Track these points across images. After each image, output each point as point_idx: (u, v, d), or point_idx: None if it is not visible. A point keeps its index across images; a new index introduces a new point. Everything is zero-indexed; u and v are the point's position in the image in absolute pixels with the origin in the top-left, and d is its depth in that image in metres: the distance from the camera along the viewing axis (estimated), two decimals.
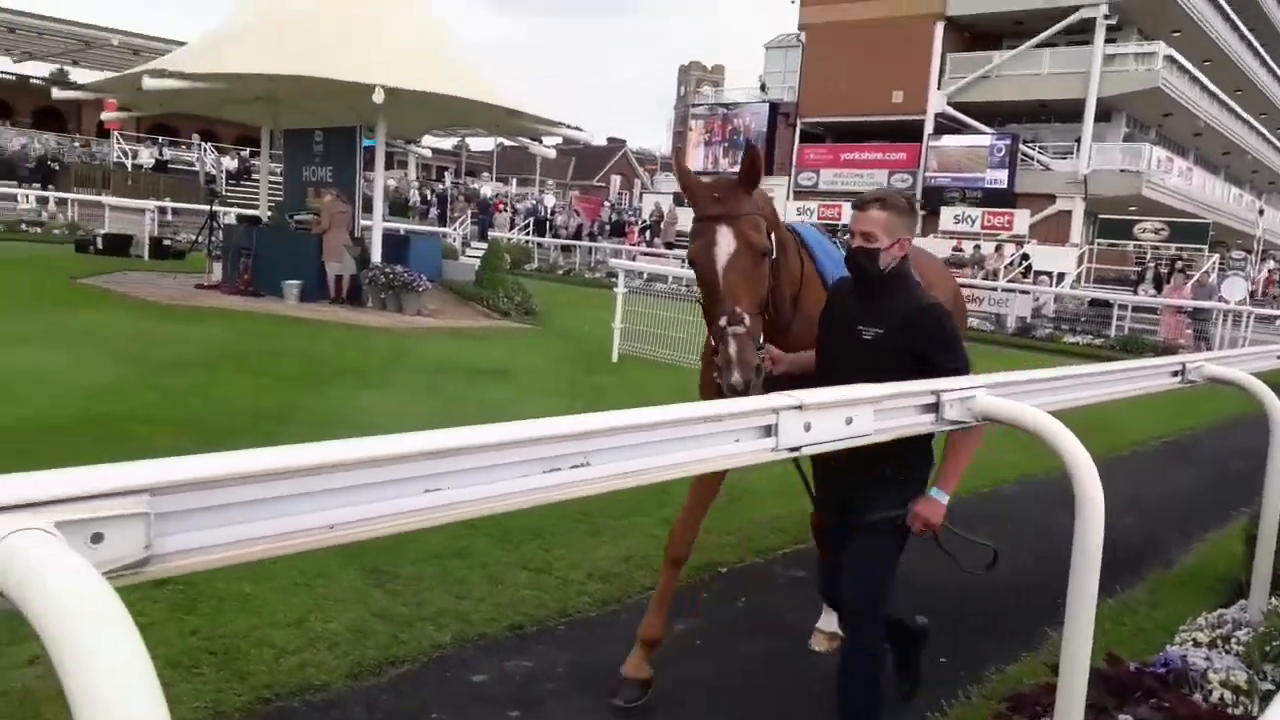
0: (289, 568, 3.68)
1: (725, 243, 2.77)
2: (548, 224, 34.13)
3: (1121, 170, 28.54)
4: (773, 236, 2.87)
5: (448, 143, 43.86)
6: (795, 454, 1.88)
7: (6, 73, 45.23)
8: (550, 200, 38.55)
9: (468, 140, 26.41)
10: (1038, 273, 23.88)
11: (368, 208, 15.38)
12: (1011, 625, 3.97)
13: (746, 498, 5.45)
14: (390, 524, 1.20)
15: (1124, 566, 4.91)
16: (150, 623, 3.18)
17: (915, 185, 31.36)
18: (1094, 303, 21.71)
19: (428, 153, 26.52)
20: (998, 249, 24.88)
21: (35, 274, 14.41)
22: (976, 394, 2.29)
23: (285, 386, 7.60)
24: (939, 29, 30.83)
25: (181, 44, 18.90)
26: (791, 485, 5.32)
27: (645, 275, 15.39)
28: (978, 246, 25.70)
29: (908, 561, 2.83)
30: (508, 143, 19.40)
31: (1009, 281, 22.30)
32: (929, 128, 31.01)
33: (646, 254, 29.00)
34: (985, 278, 22.83)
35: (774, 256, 2.86)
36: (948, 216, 29.57)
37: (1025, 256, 24.67)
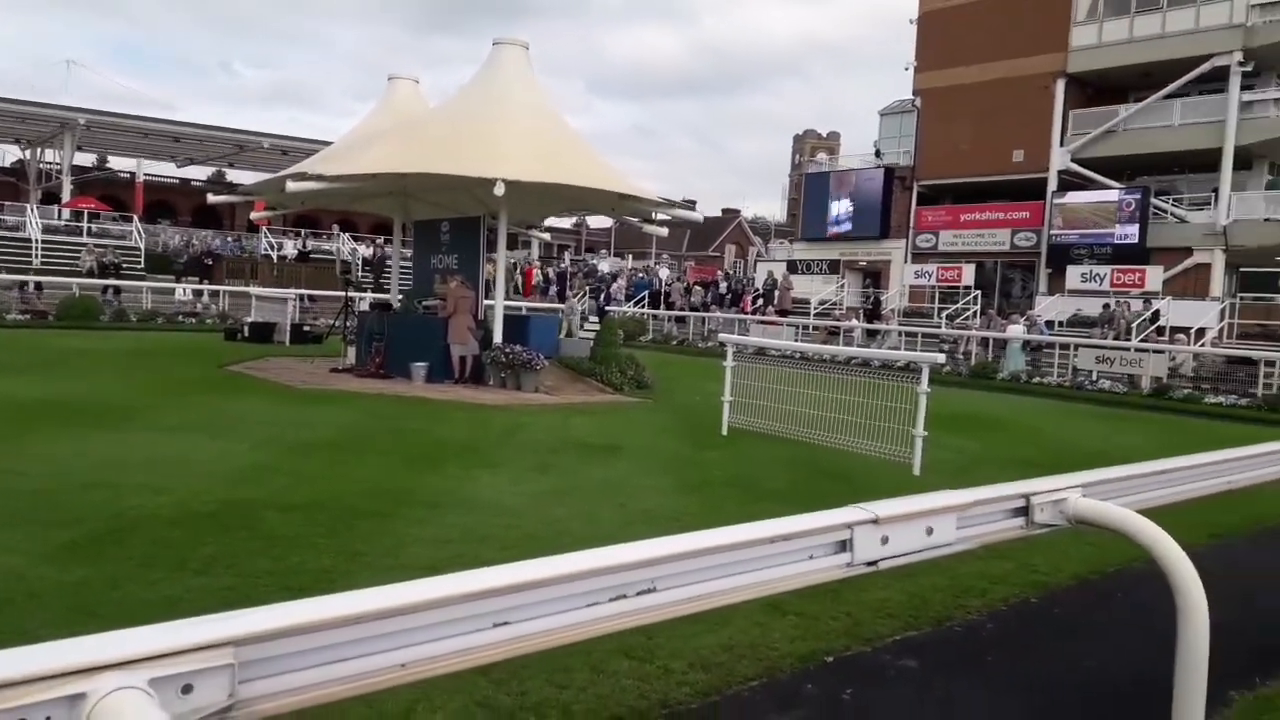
0: None
1: None
2: (662, 296, 34.66)
3: (1266, 219, 26.96)
4: None
5: (568, 222, 45.20)
6: (873, 569, 1.88)
7: (170, 177, 49.63)
8: (665, 273, 39.14)
9: (587, 219, 27.25)
10: (1174, 329, 22.65)
11: (491, 289, 16.03)
12: None
13: (855, 579, 5.33)
14: (461, 660, 1.29)
15: (1267, 654, 4.55)
16: None
17: (1040, 243, 30.46)
18: (1237, 360, 20.39)
19: (546, 236, 27.49)
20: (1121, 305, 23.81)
21: (188, 363, 15.57)
22: (1069, 496, 2.24)
23: (408, 466, 7.93)
24: (1060, 86, 30.22)
25: (326, 144, 20.39)
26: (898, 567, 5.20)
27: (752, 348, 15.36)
28: (1106, 305, 24.66)
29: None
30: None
31: (1142, 340, 21.23)
32: (1052, 185, 30.21)
33: (762, 322, 29.03)
34: (1116, 337, 21.82)
35: None
36: (1074, 275, 28.52)
37: (1155, 315, 23.47)
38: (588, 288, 33.83)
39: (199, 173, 50.82)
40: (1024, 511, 2.25)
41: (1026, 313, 26.48)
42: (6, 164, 47.99)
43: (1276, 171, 29.91)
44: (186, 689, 1.00)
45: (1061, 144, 30.24)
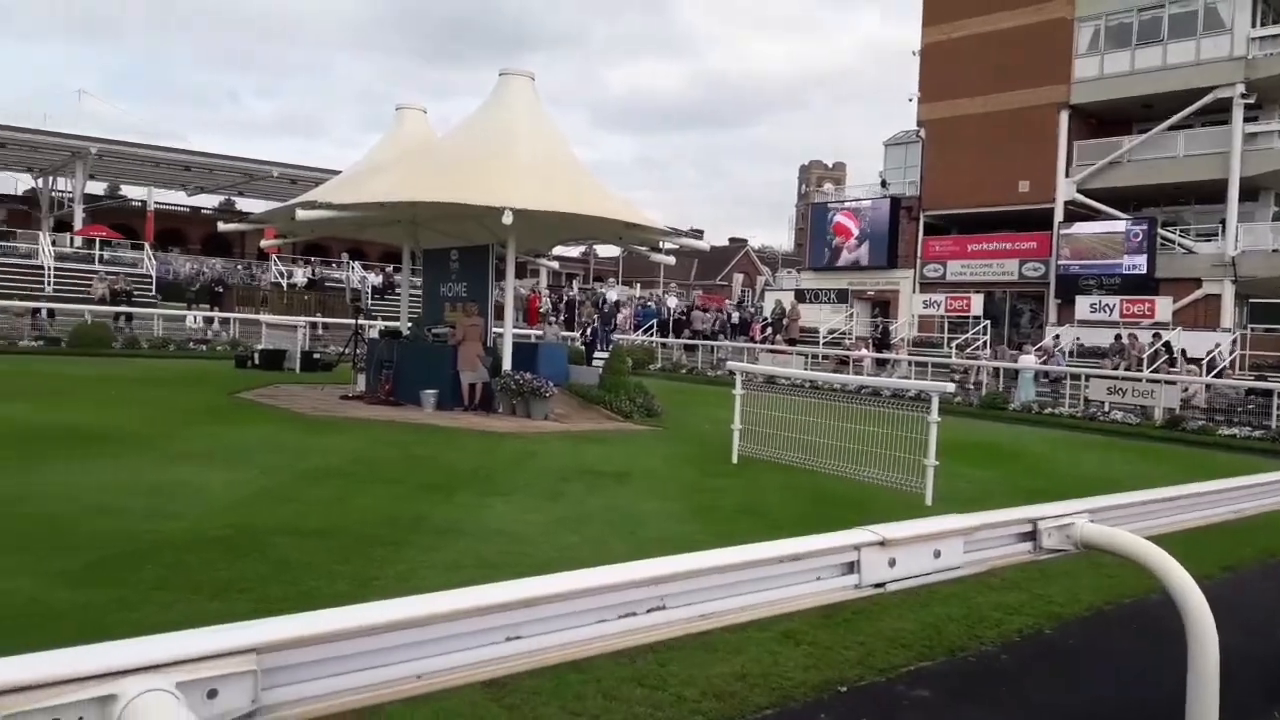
0: None
1: None
2: (671, 324, 34.67)
3: (1274, 250, 26.96)
4: None
5: (576, 250, 45.45)
6: (880, 590, 1.90)
7: (181, 205, 50.15)
8: (673, 301, 39.22)
9: (595, 247, 27.35)
10: (1188, 361, 22.58)
11: (501, 317, 16.13)
12: None
13: (869, 609, 5.31)
14: (473, 672, 1.31)
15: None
16: None
17: (1048, 273, 30.47)
18: (1251, 391, 20.30)
19: (555, 265, 27.66)
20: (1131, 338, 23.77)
21: (199, 391, 15.66)
22: (1076, 521, 2.25)
23: (418, 494, 7.94)
24: (1064, 118, 30.38)
25: (335, 173, 20.61)
26: (913, 596, 5.18)
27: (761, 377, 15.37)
28: (1118, 336, 24.62)
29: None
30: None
31: (1154, 371, 21.17)
32: (1059, 215, 30.28)
33: (771, 351, 29.03)
34: (1128, 368, 21.76)
35: None
36: (1083, 305, 28.49)
37: (1168, 346, 23.42)
38: (595, 318, 33.84)
39: (209, 201, 51.35)
40: (1031, 536, 2.26)
41: (1039, 343, 26.44)
42: (19, 192, 48.50)
43: None
44: (212, 693, 1.03)
45: (1067, 175, 30.36)
